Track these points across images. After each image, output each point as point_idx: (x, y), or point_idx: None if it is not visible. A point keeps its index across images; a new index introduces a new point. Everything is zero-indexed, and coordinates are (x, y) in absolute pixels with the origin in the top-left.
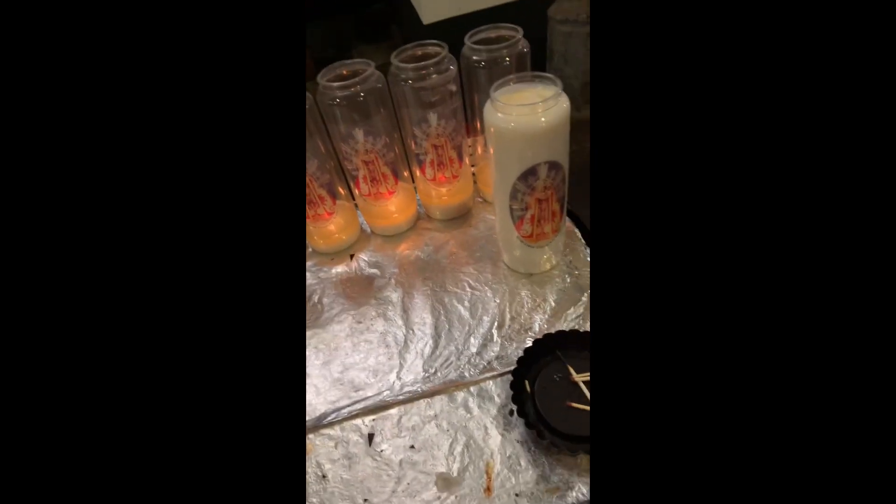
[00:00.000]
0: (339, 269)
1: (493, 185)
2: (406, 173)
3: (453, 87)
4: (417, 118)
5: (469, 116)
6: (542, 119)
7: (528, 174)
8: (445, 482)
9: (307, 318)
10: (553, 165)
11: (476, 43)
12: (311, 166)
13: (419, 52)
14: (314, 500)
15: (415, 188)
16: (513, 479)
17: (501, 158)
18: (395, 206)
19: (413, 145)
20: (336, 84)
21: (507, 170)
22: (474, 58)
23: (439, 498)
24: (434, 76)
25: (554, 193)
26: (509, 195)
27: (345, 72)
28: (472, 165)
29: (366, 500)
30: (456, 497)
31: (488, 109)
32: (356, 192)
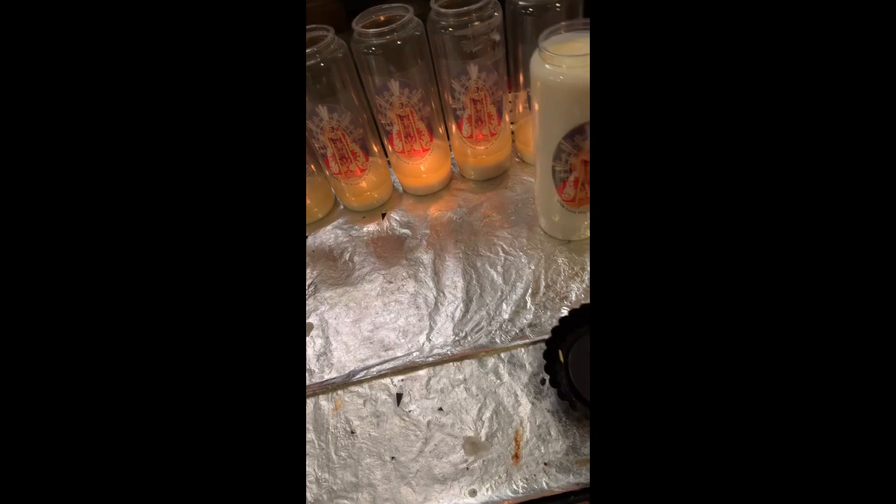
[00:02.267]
0: (371, 227)
1: (534, 144)
2: (441, 130)
3: (497, 37)
4: (457, 70)
5: (511, 69)
6: None
7: (576, 133)
8: (473, 446)
9: (338, 275)
10: None
11: None
12: (345, 120)
13: None
14: (343, 453)
15: (449, 146)
16: (542, 448)
17: (547, 115)
18: (428, 165)
19: (450, 100)
20: (372, 31)
21: (552, 127)
22: (521, 3)
23: (466, 461)
24: (476, 23)
25: None
26: (553, 155)
27: (381, 17)
28: (511, 123)
29: (393, 458)
30: (483, 462)
31: (535, 60)
32: (389, 148)
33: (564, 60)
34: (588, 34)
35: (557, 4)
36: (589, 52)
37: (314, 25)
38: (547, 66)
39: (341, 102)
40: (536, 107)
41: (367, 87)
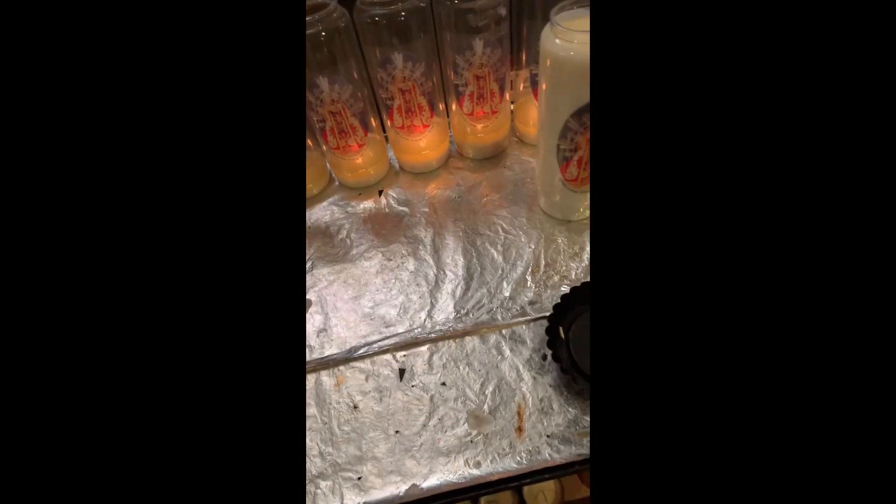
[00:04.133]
0: (368, 204)
1: (539, 121)
2: (441, 106)
3: (503, 11)
4: (461, 45)
5: (515, 45)
6: None
7: (584, 111)
8: (477, 420)
9: (335, 252)
10: None
11: None
12: (345, 93)
13: None
14: (346, 427)
15: (448, 123)
16: (544, 422)
17: (555, 91)
18: (427, 141)
19: (452, 75)
20: (376, 0)
21: (560, 104)
22: None
23: (470, 434)
24: None
25: None
26: (559, 133)
27: None
28: (511, 102)
29: (397, 432)
30: (487, 435)
31: (546, 35)
32: (388, 123)
33: (576, 36)
34: None
35: None
36: None
37: None
38: (558, 40)
39: (342, 74)
40: (544, 83)
41: (369, 60)
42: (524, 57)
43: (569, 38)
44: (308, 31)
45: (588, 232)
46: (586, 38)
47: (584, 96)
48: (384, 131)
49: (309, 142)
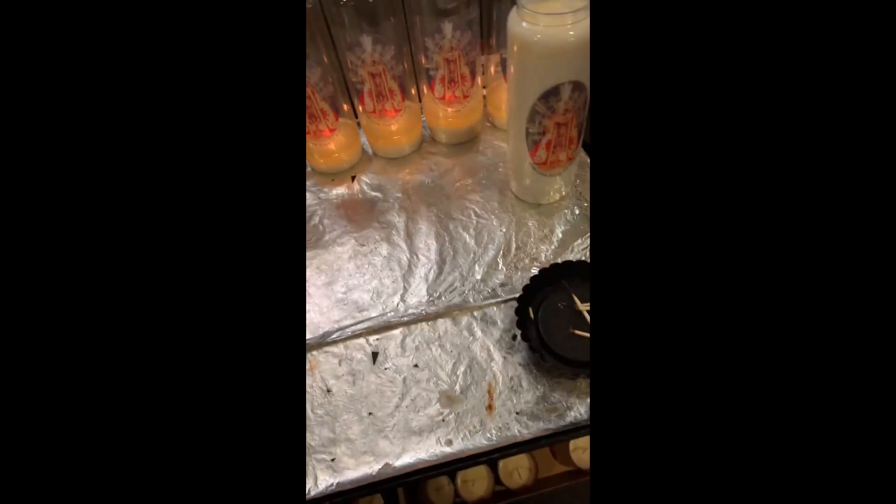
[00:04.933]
0: (340, 190)
1: (509, 105)
2: (413, 91)
3: None
4: (431, 28)
5: (484, 31)
6: (571, 33)
7: (550, 94)
8: (449, 399)
9: (308, 238)
10: (577, 86)
11: None
12: (314, 76)
13: None
14: (319, 411)
15: (421, 108)
16: (514, 399)
17: (523, 75)
18: (399, 126)
19: (423, 59)
20: None
21: (527, 88)
22: None
23: (442, 414)
24: None
25: (574, 118)
26: (527, 117)
27: None
28: (483, 87)
29: (370, 414)
30: (458, 413)
31: (513, 18)
32: (360, 108)
33: (542, 19)
34: None
35: None
36: (567, 11)
37: None
38: (524, 24)
39: (311, 58)
40: (512, 67)
41: (338, 43)
42: (494, 41)
43: (535, 21)
44: None
45: (558, 215)
46: (552, 20)
47: (551, 79)
48: (356, 116)
49: None
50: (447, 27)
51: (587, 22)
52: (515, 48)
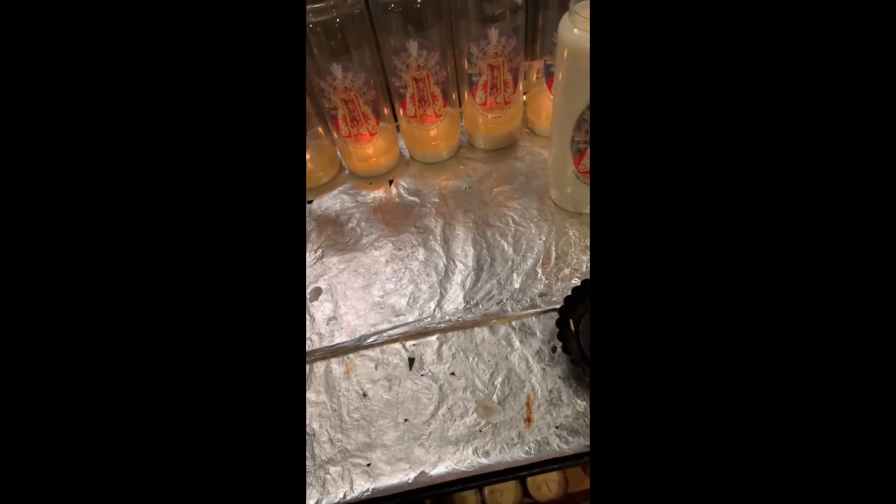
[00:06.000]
0: (378, 194)
1: (554, 112)
2: (454, 96)
3: (519, 0)
4: (476, 33)
5: (529, 36)
6: None
7: None
8: (486, 410)
9: (345, 241)
10: None
11: None
12: (359, 80)
13: None
14: (356, 415)
15: (460, 113)
16: (553, 413)
17: (572, 82)
18: (439, 131)
19: (466, 64)
20: None
21: (576, 95)
22: None
23: (479, 424)
24: None
25: None
26: (574, 125)
27: None
28: (524, 92)
29: (406, 420)
30: (496, 425)
31: (564, 24)
32: (400, 112)
33: None
34: None
35: None
36: None
37: None
38: (576, 30)
39: (355, 62)
40: (560, 74)
41: (383, 47)
42: (538, 47)
43: (587, 28)
44: (322, 18)
45: None
46: None
47: None
48: (395, 120)
49: (320, 129)
50: (493, 33)
51: None
52: (566, 54)
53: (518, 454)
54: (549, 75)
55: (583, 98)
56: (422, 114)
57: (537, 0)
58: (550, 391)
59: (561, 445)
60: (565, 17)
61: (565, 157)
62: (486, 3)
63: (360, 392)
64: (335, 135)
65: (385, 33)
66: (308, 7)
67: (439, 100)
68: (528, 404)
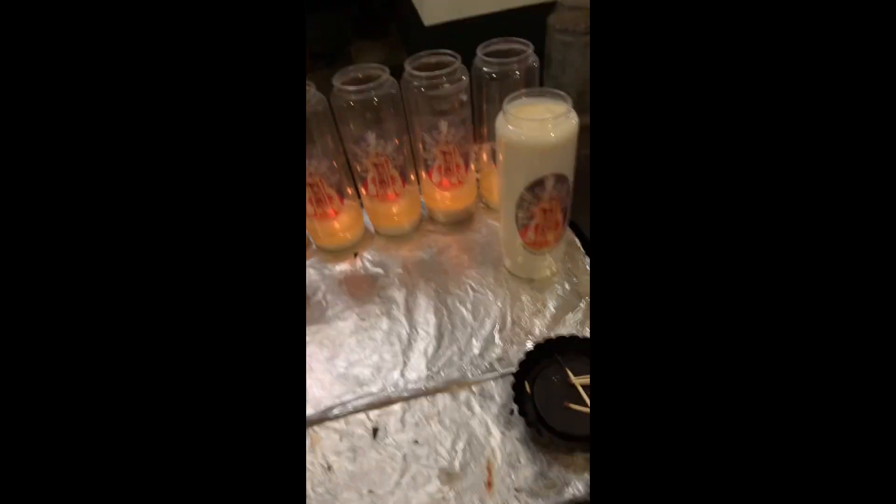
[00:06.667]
0: (343, 266)
1: (499, 193)
2: (412, 176)
3: (464, 97)
4: (428, 125)
5: (476, 124)
6: (552, 134)
7: (536, 185)
8: (448, 476)
9: (311, 314)
10: (560, 178)
11: (488, 55)
12: (322, 166)
13: (433, 61)
14: (320, 489)
15: (419, 190)
16: (513, 475)
17: (510, 169)
18: (400, 208)
19: (422, 150)
20: (351, 88)
21: (515, 180)
22: (485, 69)
23: (441, 491)
24: (447, 85)
25: (559, 204)
26: (516, 204)
27: (360, 76)
28: (477, 172)
29: (370, 492)
30: (458, 491)
31: (500, 122)
32: (363, 192)
33: (524, 123)
34: (545, 101)
35: (517, 72)
36: (548, 116)
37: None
38: (510, 126)
39: (319, 150)
40: (501, 159)
41: (345, 136)
42: (485, 132)
43: (519, 125)
44: None
45: (549, 290)
46: (534, 124)
47: (535, 173)
48: (359, 197)
49: None
50: (443, 124)
51: (567, 124)
52: (503, 146)
53: None
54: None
55: (521, 182)
56: (383, 193)
57: (481, 95)
58: (509, 454)
59: None
60: (500, 116)
61: (512, 231)
62: (435, 100)
63: (325, 465)
64: None
65: (346, 125)
66: None
67: (398, 181)
68: (488, 468)
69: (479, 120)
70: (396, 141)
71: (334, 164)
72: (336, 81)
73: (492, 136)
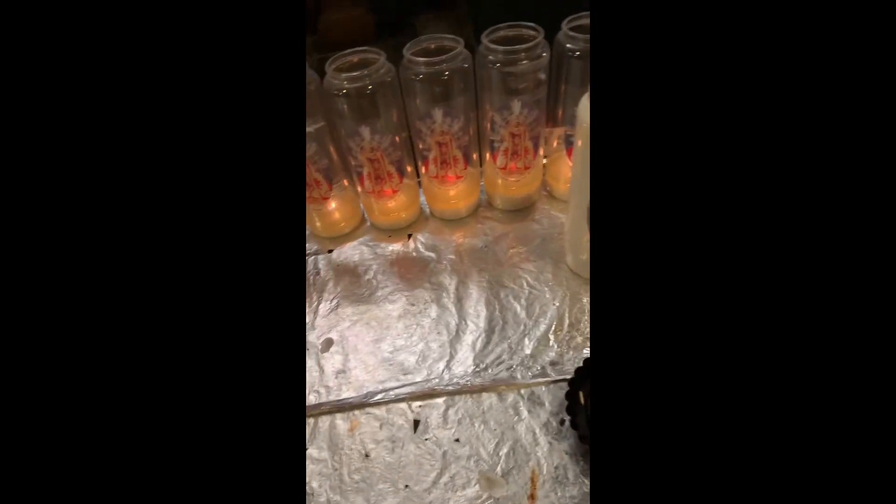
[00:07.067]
0: (396, 247)
1: (573, 181)
2: (475, 157)
3: (542, 76)
4: (500, 104)
5: (551, 105)
6: None
7: None
8: (489, 482)
9: (361, 292)
10: None
11: (573, 30)
12: (385, 141)
13: (511, 34)
14: (356, 476)
15: (481, 173)
16: (558, 492)
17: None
18: (459, 191)
19: (489, 130)
20: (422, 59)
21: None
22: (569, 46)
23: (481, 497)
24: (525, 62)
25: None
26: (589, 197)
27: (432, 46)
28: (544, 157)
29: (407, 486)
30: (498, 499)
31: (583, 104)
32: (423, 171)
33: None
34: None
35: None
36: None
37: (365, 48)
38: None
39: (383, 125)
40: (579, 146)
41: (410, 112)
42: (560, 115)
43: None
44: (356, 85)
45: None
46: None
47: None
48: (418, 176)
49: (345, 182)
50: (516, 105)
51: None
52: (584, 129)
53: None
54: (568, 144)
55: None
56: (443, 175)
57: (560, 74)
58: (556, 468)
59: None
60: (584, 98)
61: (582, 225)
62: (510, 78)
63: (363, 452)
64: (359, 188)
65: (412, 99)
66: (343, 75)
67: (460, 162)
68: (532, 480)
69: (555, 100)
70: (464, 120)
71: (397, 139)
72: (406, 52)
73: (567, 119)
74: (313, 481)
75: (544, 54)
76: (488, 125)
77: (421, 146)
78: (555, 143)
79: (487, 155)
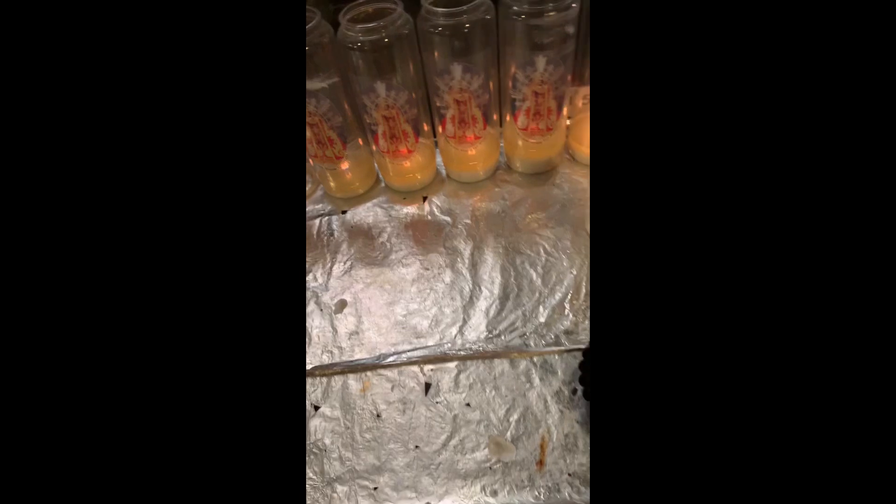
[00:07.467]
0: (411, 209)
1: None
2: (495, 117)
3: (570, 30)
4: (523, 60)
5: (578, 62)
6: None
7: None
8: (498, 446)
9: (374, 255)
10: None
11: None
12: (401, 98)
13: None
14: (367, 435)
15: (500, 134)
16: (567, 459)
17: None
18: (477, 152)
19: (511, 88)
20: (441, 10)
21: None
22: None
23: (490, 461)
24: (552, 14)
25: None
26: None
27: None
28: (568, 118)
29: (417, 447)
30: (507, 464)
31: None
32: (440, 131)
33: None
34: None
35: None
36: None
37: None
38: None
39: (399, 81)
40: None
41: (428, 67)
42: (587, 74)
43: None
44: (372, 38)
45: None
46: None
47: None
48: (434, 136)
49: (360, 141)
50: (540, 61)
51: None
52: None
53: (527, 498)
54: None
55: None
56: (461, 135)
57: (590, 27)
58: (566, 435)
59: (572, 495)
60: None
61: None
62: (535, 32)
63: (374, 412)
64: (374, 148)
65: (430, 54)
66: (358, 26)
67: (479, 122)
68: (542, 446)
69: (582, 56)
70: (483, 76)
71: (413, 96)
72: (425, 2)
73: None
74: (326, 438)
75: (574, 5)
76: (510, 83)
77: (438, 104)
78: (580, 104)
79: (508, 115)
